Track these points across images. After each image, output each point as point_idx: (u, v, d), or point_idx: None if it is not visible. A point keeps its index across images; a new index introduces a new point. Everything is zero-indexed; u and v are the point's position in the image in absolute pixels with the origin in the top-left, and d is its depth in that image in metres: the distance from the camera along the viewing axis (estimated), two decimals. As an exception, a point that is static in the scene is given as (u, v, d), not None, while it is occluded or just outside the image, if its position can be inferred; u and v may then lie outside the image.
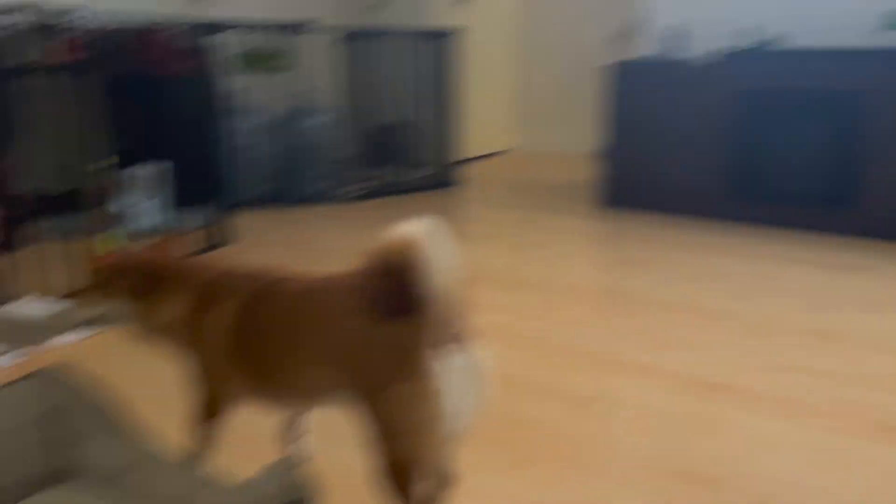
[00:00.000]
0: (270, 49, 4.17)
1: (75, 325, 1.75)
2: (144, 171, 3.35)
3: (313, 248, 3.32)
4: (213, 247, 3.25)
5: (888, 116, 3.25)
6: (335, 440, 1.70)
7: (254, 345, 1.31)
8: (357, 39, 4.39)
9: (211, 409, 1.41)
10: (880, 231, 3.31)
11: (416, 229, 1.13)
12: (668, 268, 2.95)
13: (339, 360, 1.23)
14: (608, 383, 1.96)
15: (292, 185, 4.15)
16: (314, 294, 1.30)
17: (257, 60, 4.03)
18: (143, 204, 3.35)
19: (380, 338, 1.17)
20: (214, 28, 3.54)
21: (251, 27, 3.99)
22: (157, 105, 3.26)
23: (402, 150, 5.10)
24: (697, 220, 3.67)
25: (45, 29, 3.10)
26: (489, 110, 5.66)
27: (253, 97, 4.01)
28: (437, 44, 4.56)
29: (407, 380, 1.14)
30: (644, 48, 4.00)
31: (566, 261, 3.09)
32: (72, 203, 3.16)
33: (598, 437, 1.69)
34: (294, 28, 4.14)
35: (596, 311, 2.50)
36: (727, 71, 3.61)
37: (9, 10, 3.06)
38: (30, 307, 2.32)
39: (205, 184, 3.67)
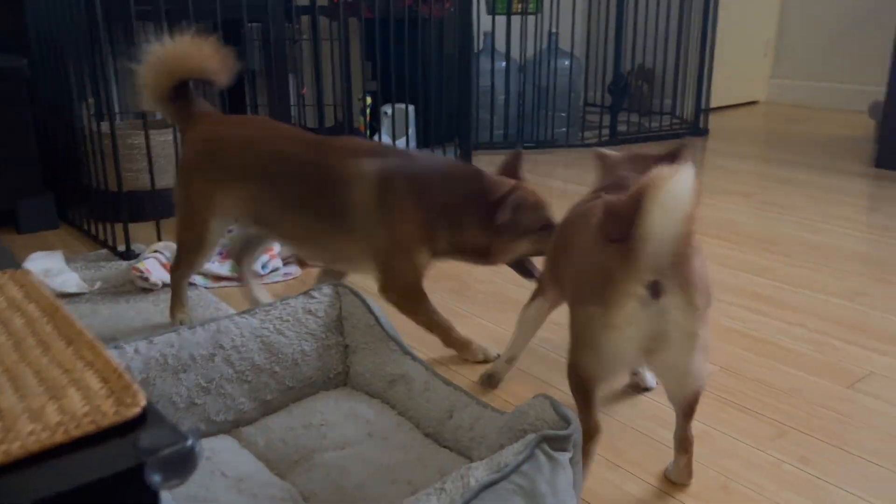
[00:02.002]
0: (521, -10, 4.16)
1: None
2: (392, 112, 3.53)
3: (547, 191, 3.32)
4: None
5: None
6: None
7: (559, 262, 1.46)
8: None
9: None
10: None
11: (667, 173, 1.09)
12: (958, 240, 2.58)
13: (573, 277, 1.32)
14: (878, 362, 1.77)
15: (534, 128, 4.17)
16: (584, 218, 1.35)
17: (509, 2, 4.04)
18: (388, 142, 3.54)
19: (594, 259, 1.22)
20: (471, -31, 3.59)
21: (505, -32, 4.00)
22: (411, 46, 3.40)
23: (646, 97, 4.90)
24: None
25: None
26: (742, 56, 5.22)
27: (502, 39, 4.04)
28: (695, -17, 4.27)
29: (595, 302, 1.18)
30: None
31: (828, 224, 2.82)
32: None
33: (865, 417, 1.55)
34: (546, -32, 4.09)
35: (866, 283, 2.25)
36: None
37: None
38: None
39: (451, 124, 3.80)
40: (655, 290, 1.13)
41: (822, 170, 3.64)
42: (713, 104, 4.76)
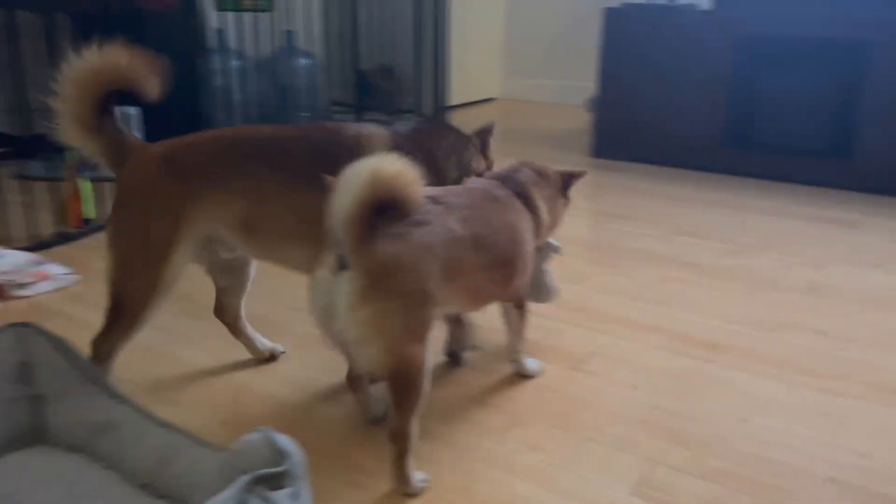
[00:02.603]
0: (252, -14, 3.99)
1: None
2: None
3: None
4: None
5: (891, 69, 3.18)
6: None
7: None
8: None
9: None
10: (877, 185, 3.28)
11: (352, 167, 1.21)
12: (662, 221, 2.90)
13: None
14: (600, 341, 1.92)
15: (275, 129, 4.03)
16: None
17: (238, -2, 3.85)
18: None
19: None
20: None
21: (231, -38, 3.81)
22: (132, 43, 3.10)
23: (388, 96, 4.96)
24: (692, 172, 3.61)
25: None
26: (475, 56, 5.50)
27: (235, 37, 3.85)
28: (425, -16, 4.39)
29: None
30: (640, -8, 3.87)
31: (557, 212, 3.03)
32: (35, 146, 3.04)
33: (589, 397, 1.66)
34: (277, -36, 3.96)
35: (587, 266, 2.44)
36: (726, 16, 3.51)
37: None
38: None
39: (184, 126, 3.54)
40: (342, 264, 1.24)
41: (548, 161, 3.92)
42: (453, 102, 4.96)
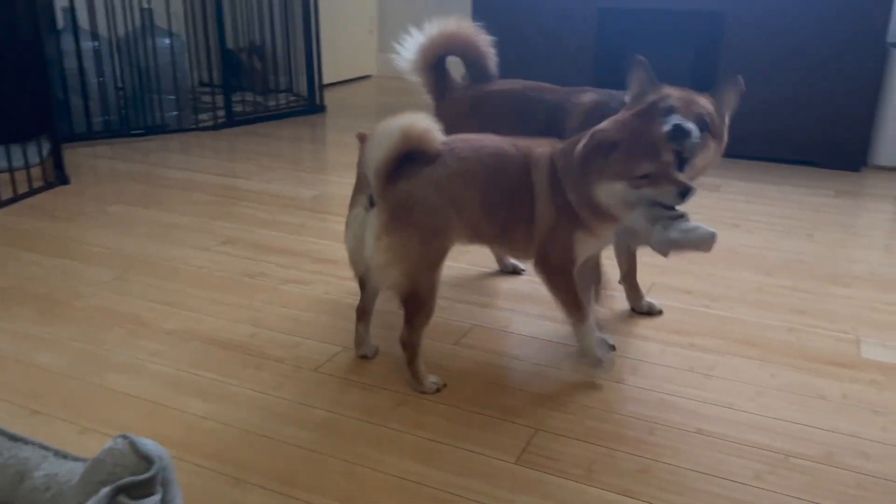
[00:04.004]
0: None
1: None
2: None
3: (168, 181, 3.07)
4: (46, 186, 2.92)
5: (744, 39, 3.37)
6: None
7: None
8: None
9: None
10: (734, 150, 3.46)
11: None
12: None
13: None
14: (480, 313, 1.93)
15: (140, 113, 3.80)
16: None
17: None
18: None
19: None
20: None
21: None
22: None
23: (259, 75, 4.79)
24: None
25: None
26: (348, 33, 5.40)
27: (88, 15, 3.58)
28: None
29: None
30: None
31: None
32: None
33: (472, 370, 1.67)
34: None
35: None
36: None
37: None
38: None
39: (33, 115, 3.28)
40: (371, 202, 1.50)
41: (428, 138, 3.91)
42: (329, 80, 4.84)
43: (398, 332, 1.57)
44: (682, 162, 1.57)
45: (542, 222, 1.55)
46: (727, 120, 1.69)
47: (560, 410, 1.52)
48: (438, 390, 1.58)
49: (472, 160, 1.54)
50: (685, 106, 1.62)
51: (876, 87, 3.29)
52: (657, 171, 1.43)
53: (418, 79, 2.11)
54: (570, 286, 1.58)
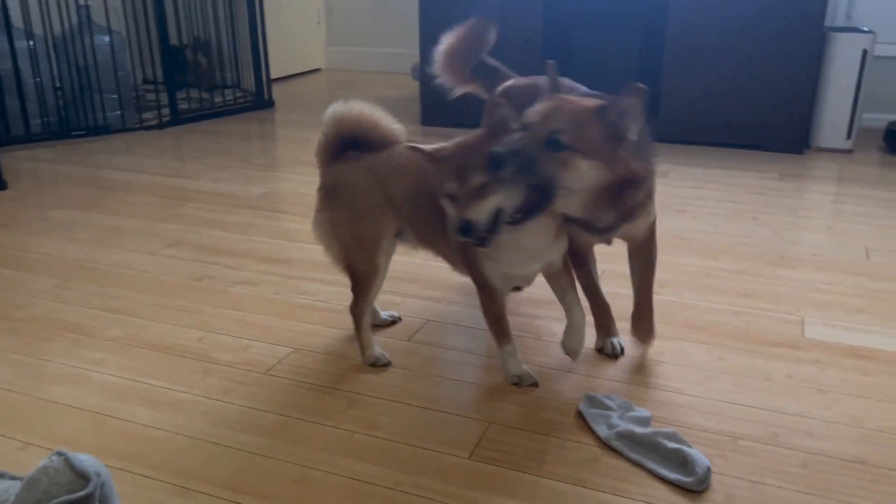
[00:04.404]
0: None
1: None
2: None
3: (111, 183, 2.99)
4: (-15, 191, 2.82)
5: (688, 23, 3.41)
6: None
7: None
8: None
9: None
10: (682, 136, 3.53)
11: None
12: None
13: None
14: (433, 307, 1.93)
15: (81, 113, 3.69)
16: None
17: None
18: None
19: None
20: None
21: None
22: None
23: (204, 72, 4.70)
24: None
25: None
26: (295, 27, 5.32)
27: (22, 13, 3.46)
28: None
29: None
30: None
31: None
32: None
33: (424, 367, 1.67)
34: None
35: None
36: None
37: None
38: None
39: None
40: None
41: (378, 131, 3.89)
42: (276, 74, 4.77)
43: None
44: (548, 184, 1.36)
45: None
46: (630, 130, 1.34)
47: (513, 403, 1.52)
48: (378, 365, 1.64)
49: (413, 157, 1.51)
50: (541, 122, 1.35)
51: (816, 70, 3.37)
52: (460, 193, 1.34)
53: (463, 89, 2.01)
54: (491, 307, 1.55)
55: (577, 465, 1.34)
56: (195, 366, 1.66)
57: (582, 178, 1.35)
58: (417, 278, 2.11)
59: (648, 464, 1.33)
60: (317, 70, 5.71)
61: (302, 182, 3.02)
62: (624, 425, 1.41)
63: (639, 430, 1.39)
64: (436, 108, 3.94)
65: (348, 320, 1.67)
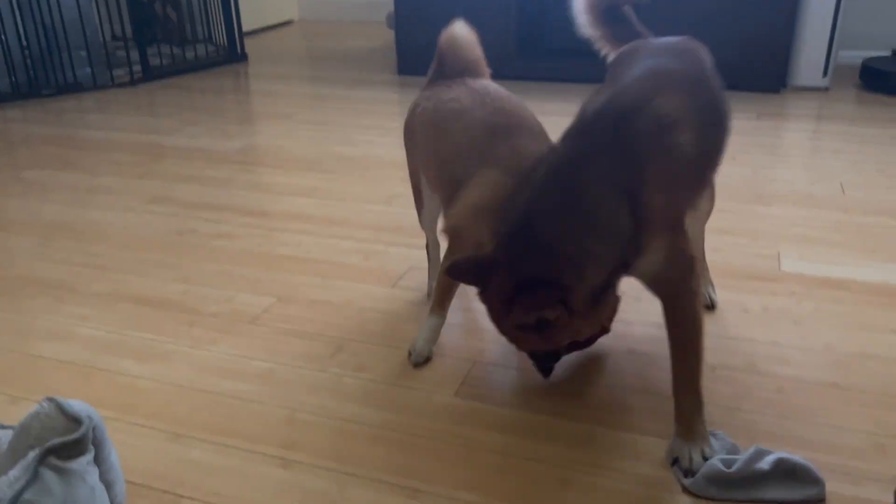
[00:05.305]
0: None
1: None
2: None
3: (85, 142, 2.95)
4: (-44, 153, 2.78)
5: (660, -34, 3.37)
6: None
7: None
8: None
9: None
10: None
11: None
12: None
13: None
14: (415, 255, 1.95)
15: (50, 72, 3.62)
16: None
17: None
18: None
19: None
20: None
21: None
22: None
23: (174, 26, 4.60)
24: (492, 82, 3.69)
25: None
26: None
27: (-22, -31, 3.36)
28: None
29: None
30: None
31: (364, 136, 3.00)
32: None
33: (409, 311, 1.69)
34: None
35: (400, 186, 2.45)
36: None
37: None
38: None
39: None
40: None
41: (354, 83, 3.85)
42: (248, 27, 4.69)
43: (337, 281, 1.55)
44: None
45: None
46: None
47: (496, 342, 1.55)
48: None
49: (459, 97, 1.47)
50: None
51: (792, 9, 3.36)
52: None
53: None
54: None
55: (561, 398, 1.37)
56: (180, 318, 1.67)
57: (569, 331, 1.19)
58: (400, 226, 2.12)
59: (764, 496, 1.12)
60: (289, 22, 5.60)
61: (278, 135, 3.00)
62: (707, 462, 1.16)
63: (726, 466, 1.14)
64: (412, 58, 3.90)
65: (330, 270, 1.69)
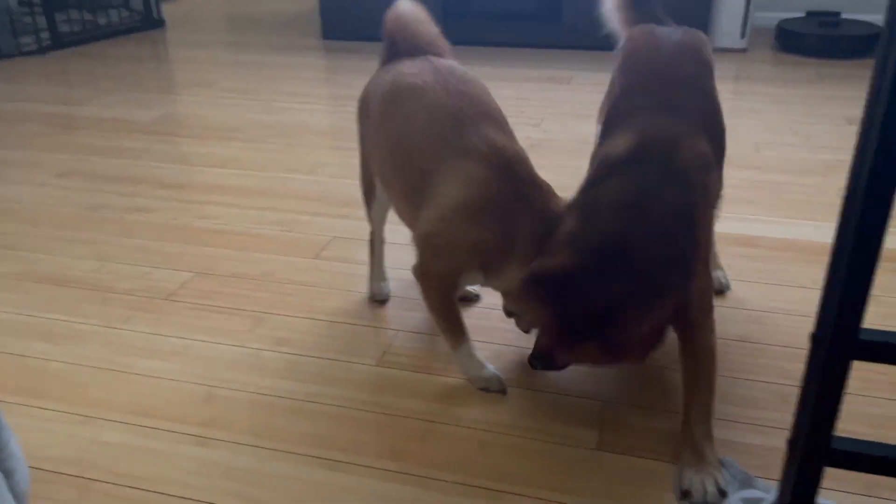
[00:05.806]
0: None
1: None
2: None
3: (-12, 116, 2.79)
4: None
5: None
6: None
7: None
8: None
9: None
10: (584, 42, 3.54)
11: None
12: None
13: None
14: (340, 224, 1.92)
15: (-53, 41, 3.40)
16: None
17: None
18: None
19: None
20: None
21: None
22: None
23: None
24: (419, 46, 3.64)
25: None
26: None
27: None
28: None
29: None
30: None
31: (287, 103, 2.92)
32: None
33: (331, 282, 1.67)
34: None
35: (325, 154, 2.41)
36: None
37: None
38: None
39: None
40: None
41: (277, 48, 3.74)
42: (165, -9, 4.49)
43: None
44: None
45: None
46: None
47: (419, 311, 1.55)
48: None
49: (421, 72, 1.32)
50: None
51: (712, -30, 3.40)
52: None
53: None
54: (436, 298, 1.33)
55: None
56: (93, 296, 1.61)
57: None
58: (324, 196, 2.09)
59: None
60: (210, -14, 5.39)
61: (197, 104, 2.90)
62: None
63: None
64: (338, 22, 3.81)
65: (250, 242, 1.65)
